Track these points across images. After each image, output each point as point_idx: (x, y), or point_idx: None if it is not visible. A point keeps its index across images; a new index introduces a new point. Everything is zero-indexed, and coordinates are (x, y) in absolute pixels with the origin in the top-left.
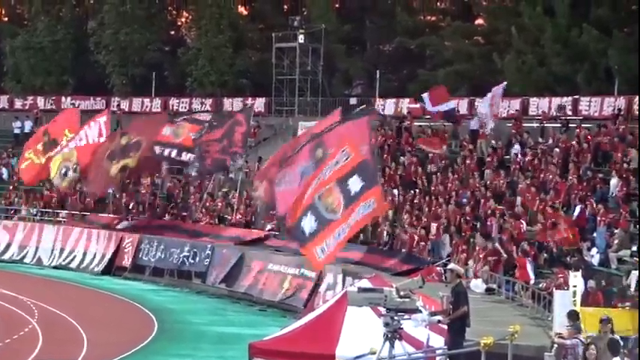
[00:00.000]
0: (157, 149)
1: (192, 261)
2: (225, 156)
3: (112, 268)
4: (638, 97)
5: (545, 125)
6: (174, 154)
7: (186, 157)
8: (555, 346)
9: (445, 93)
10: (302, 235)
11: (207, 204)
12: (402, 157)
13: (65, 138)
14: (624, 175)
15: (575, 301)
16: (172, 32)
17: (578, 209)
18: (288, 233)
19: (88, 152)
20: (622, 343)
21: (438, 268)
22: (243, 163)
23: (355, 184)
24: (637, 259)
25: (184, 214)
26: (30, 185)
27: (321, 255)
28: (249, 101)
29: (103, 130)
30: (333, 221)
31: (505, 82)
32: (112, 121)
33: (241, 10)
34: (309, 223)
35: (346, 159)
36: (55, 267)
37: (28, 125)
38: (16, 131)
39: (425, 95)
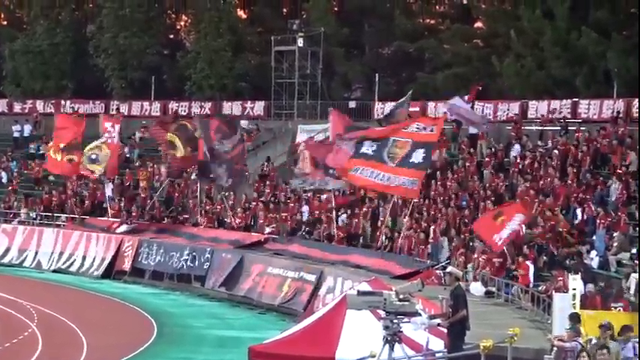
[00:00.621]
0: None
1: (191, 264)
2: (241, 165)
3: (111, 272)
4: (638, 99)
5: (545, 128)
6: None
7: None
8: (555, 349)
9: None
10: (356, 149)
11: (207, 207)
12: None
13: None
14: (623, 178)
15: (574, 304)
16: (171, 36)
17: (579, 213)
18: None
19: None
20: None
21: (438, 271)
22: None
23: (418, 156)
24: (636, 262)
25: (184, 217)
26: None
27: (354, 173)
28: (249, 104)
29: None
30: (384, 164)
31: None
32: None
33: (240, 13)
34: (368, 146)
35: (428, 131)
36: (54, 271)
37: (27, 129)
38: (16, 135)
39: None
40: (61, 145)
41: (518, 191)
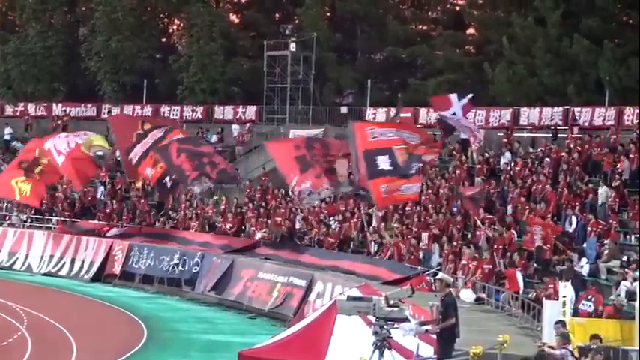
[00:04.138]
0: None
1: (182, 268)
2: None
3: (101, 275)
4: (638, 105)
5: (536, 135)
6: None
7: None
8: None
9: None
10: (375, 169)
11: (198, 211)
12: None
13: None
14: (615, 186)
15: (564, 311)
16: (164, 40)
17: (574, 221)
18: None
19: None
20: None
21: (428, 277)
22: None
23: (415, 166)
24: (626, 270)
25: (174, 221)
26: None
27: (384, 194)
28: (241, 109)
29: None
30: (405, 177)
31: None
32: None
33: (233, 18)
34: (384, 162)
35: (414, 142)
36: (44, 274)
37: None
38: (7, 137)
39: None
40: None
41: (509, 198)
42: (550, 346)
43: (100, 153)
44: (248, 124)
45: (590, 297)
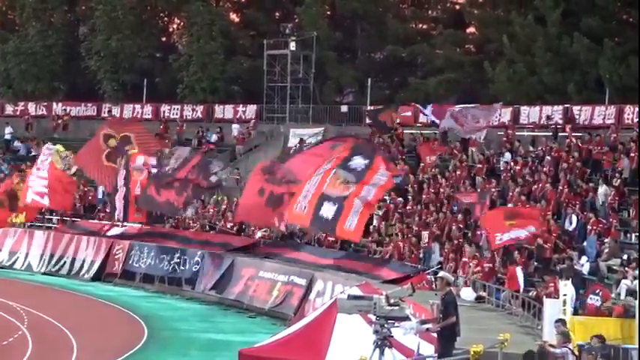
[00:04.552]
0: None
1: (182, 268)
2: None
3: (102, 275)
4: (638, 103)
5: (537, 134)
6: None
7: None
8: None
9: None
10: (327, 223)
11: (199, 210)
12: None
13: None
14: (616, 184)
15: (564, 309)
16: (164, 39)
17: (574, 219)
18: (312, 226)
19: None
20: None
21: (429, 276)
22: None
23: (358, 160)
24: (626, 269)
25: (175, 220)
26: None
27: (351, 230)
28: (241, 108)
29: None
30: (348, 197)
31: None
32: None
33: (233, 17)
34: (328, 209)
35: (339, 151)
36: (44, 273)
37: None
38: (7, 137)
39: (428, 110)
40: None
41: (509, 196)
42: (551, 345)
43: (73, 169)
44: (253, 121)
45: (597, 291)
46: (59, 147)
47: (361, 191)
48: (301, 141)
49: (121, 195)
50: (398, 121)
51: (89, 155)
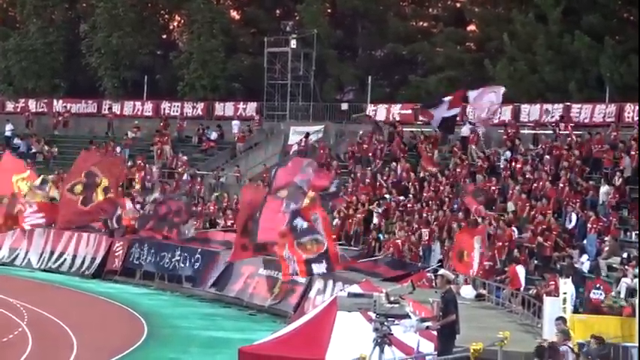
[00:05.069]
0: None
1: (182, 265)
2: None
3: (102, 272)
4: (638, 102)
5: (537, 132)
6: None
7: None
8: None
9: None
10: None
11: (200, 208)
12: (394, 163)
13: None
14: (617, 183)
15: (564, 307)
16: (164, 36)
17: (574, 218)
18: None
19: None
20: None
21: (429, 274)
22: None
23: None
24: (627, 267)
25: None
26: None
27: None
28: (241, 105)
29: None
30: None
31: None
32: (102, 125)
33: (234, 14)
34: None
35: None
36: (45, 270)
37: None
38: (7, 134)
39: (446, 99)
40: None
41: (510, 195)
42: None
43: (43, 190)
44: (257, 117)
45: (598, 286)
46: (29, 184)
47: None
48: (307, 135)
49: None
50: (398, 118)
51: (67, 213)
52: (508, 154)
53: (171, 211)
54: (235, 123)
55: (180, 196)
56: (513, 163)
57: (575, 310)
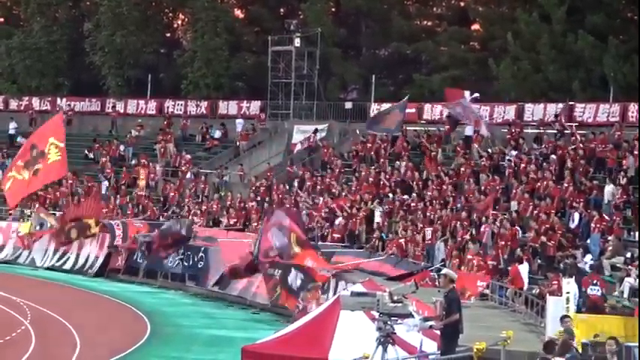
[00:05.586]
0: None
1: (186, 264)
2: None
3: (105, 270)
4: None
5: (541, 131)
6: None
7: None
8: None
9: (459, 94)
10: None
11: (204, 207)
12: (397, 162)
13: (52, 146)
14: (621, 183)
15: (567, 307)
16: (168, 34)
17: (577, 217)
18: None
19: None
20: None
21: (432, 273)
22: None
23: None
24: (630, 267)
25: (179, 216)
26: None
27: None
28: (245, 104)
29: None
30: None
31: (476, 94)
32: (106, 123)
33: (237, 13)
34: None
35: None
36: (48, 268)
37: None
38: (11, 132)
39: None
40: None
41: (513, 194)
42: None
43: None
44: (261, 115)
45: (595, 282)
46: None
47: None
48: (315, 131)
49: None
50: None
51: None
52: (513, 153)
53: (167, 244)
54: (239, 122)
55: (171, 226)
56: (517, 161)
57: (578, 310)
